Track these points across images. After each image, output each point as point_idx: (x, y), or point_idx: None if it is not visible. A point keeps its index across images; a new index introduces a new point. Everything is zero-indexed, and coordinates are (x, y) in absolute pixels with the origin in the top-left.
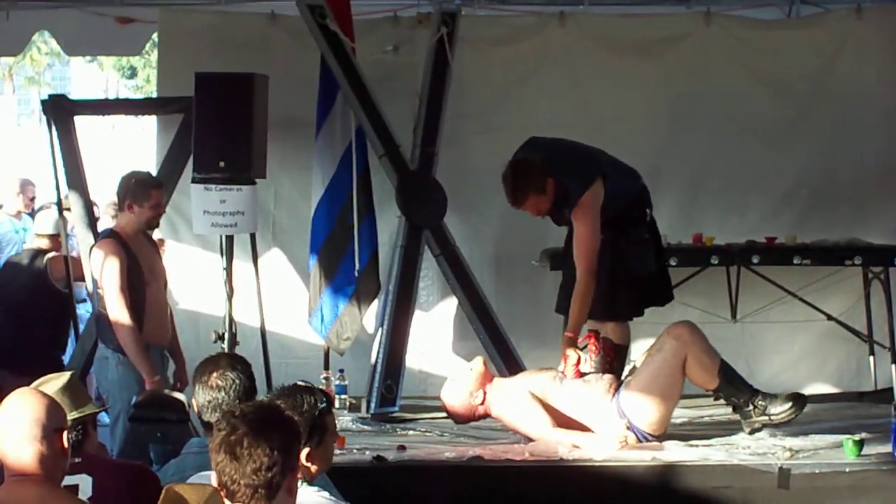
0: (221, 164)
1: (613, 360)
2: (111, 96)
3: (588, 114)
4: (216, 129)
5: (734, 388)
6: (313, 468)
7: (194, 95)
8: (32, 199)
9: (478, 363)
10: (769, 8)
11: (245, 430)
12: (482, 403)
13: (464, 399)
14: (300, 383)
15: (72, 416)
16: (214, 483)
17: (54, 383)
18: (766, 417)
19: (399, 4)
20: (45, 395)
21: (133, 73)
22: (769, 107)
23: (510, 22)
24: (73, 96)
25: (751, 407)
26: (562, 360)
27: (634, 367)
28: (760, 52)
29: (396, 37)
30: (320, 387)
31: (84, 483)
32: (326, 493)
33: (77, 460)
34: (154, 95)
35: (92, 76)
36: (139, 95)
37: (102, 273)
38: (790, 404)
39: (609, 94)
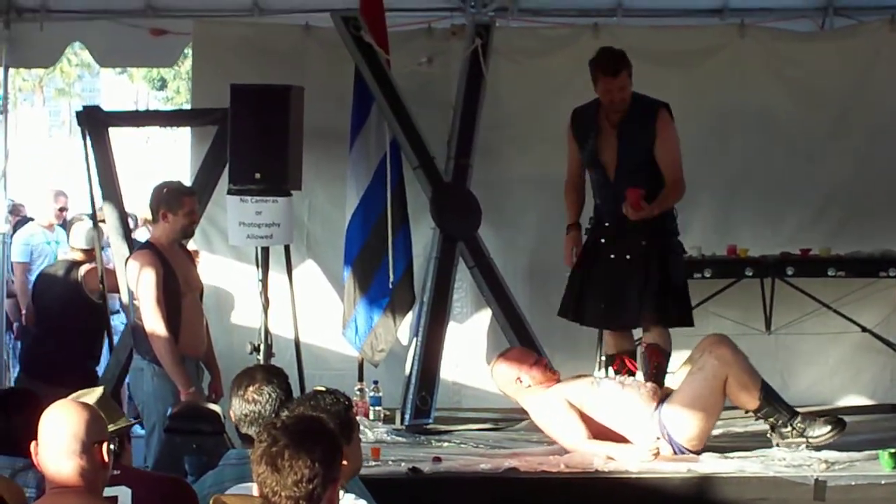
0: (257, 175)
1: (662, 363)
2: (141, 108)
3: None
4: (252, 141)
5: (773, 408)
6: (347, 466)
7: (230, 107)
8: (62, 210)
9: (543, 364)
10: (802, 20)
11: (286, 441)
12: (523, 385)
13: (511, 374)
14: (318, 388)
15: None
16: (256, 494)
17: (87, 399)
18: (804, 440)
19: (433, 16)
20: (85, 406)
21: (163, 85)
22: (803, 118)
23: (544, 34)
24: (104, 108)
25: (789, 428)
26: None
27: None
28: (795, 63)
29: (430, 49)
30: (355, 398)
31: (123, 495)
32: (364, 502)
33: (116, 472)
34: (184, 107)
35: (122, 88)
36: (169, 107)
37: (138, 284)
38: (829, 428)
39: None
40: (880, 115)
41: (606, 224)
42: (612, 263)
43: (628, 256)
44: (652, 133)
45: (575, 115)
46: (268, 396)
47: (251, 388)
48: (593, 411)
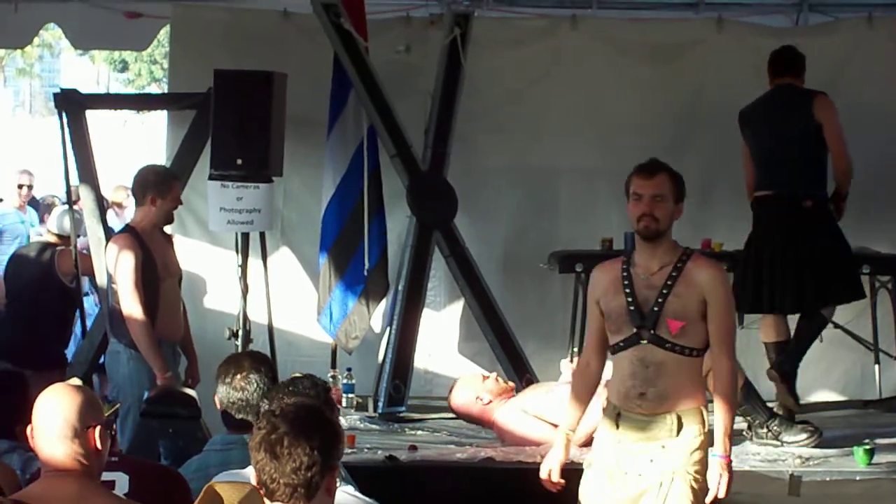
0: (239, 161)
1: None
2: (102, 90)
3: (599, 117)
4: (234, 127)
5: (752, 406)
6: None
7: (213, 92)
8: (26, 188)
9: (493, 377)
10: (777, 16)
11: (286, 429)
12: (487, 404)
13: (470, 395)
14: (295, 374)
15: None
16: (253, 481)
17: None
18: (779, 443)
19: (411, 4)
20: (79, 390)
21: (125, 67)
22: None
23: (522, 24)
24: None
25: (765, 429)
26: None
27: None
28: None
29: (408, 37)
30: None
31: (121, 480)
32: (351, 488)
33: (114, 459)
34: (147, 89)
35: (83, 69)
36: (130, 90)
37: (117, 268)
38: (806, 436)
39: (620, 97)
40: (856, 112)
41: None
42: None
43: None
44: None
45: None
46: (255, 385)
47: (239, 376)
48: (551, 415)
